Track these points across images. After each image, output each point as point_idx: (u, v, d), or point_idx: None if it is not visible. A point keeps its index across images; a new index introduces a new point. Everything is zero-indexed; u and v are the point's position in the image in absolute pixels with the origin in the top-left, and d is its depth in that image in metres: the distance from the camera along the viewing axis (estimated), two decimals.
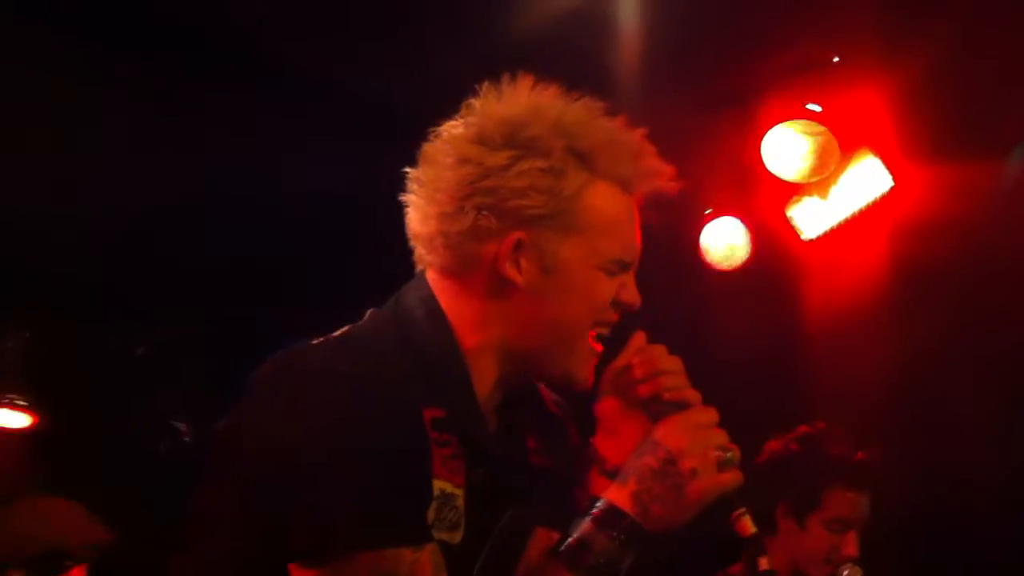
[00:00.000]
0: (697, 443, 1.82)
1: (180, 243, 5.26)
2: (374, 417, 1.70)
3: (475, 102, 1.95)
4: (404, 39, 4.20)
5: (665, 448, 1.82)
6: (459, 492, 1.81)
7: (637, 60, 3.98)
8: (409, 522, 1.71)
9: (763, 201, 4.67)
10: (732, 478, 1.83)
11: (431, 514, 1.75)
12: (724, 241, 4.77)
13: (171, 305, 5.87)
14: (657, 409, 1.90)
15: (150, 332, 6.15)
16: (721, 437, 1.84)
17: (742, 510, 1.84)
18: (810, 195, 4.51)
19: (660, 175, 1.96)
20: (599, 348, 1.97)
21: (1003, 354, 4.86)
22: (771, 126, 4.19)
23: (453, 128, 1.94)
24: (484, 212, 1.86)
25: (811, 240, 4.69)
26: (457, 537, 1.79)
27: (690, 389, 1.90)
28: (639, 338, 1.99)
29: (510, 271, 1.87)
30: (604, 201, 1.91)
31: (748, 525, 1.83)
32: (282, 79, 4.43)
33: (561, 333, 1.92)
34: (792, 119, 4.18)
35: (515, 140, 1.87)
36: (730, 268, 4.78)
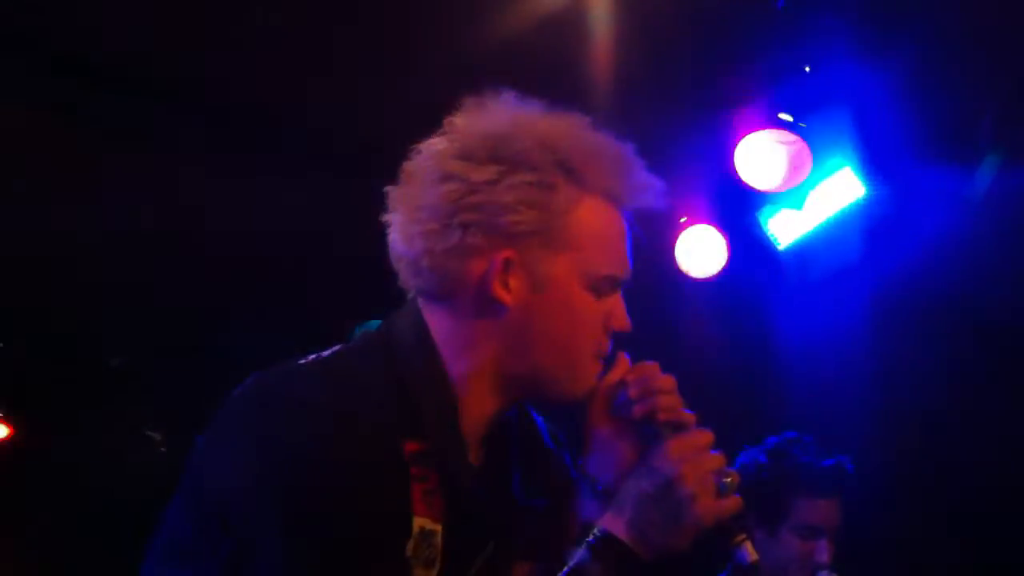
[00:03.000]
0: (695, 468, 1.77)
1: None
2: (354, 452, 1.65)
3: (456, 118, 1.89)
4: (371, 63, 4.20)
5: (662, 474, 1.77)
6: (437, 528, 1.76)
7: (611, 70, 3.98)
8: (388, 559, 1.68)
9: (738, 210, 4.68)
10: (731, 504, 1.78)
11: (409, 549, 1.71)
12: (699, 250, 4.76)
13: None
14: (651, 430, 1.85)
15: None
16: (719, 461, 1.79)
17: (742, 536, 1.79)
18: (785, 204, 4.51)
19: (651, 189, 1.91)
20: (600, 368, 1.92)
21: (979, 362, 4.88)
22: (744, 135, 4.19)
23: (435, 144, 1.88)
24: (471, 229, 1.79)
25: (786, 248, 4.70)
26: (432, 574, 1.75)
27: (685, 410, 1.85)
28: (623, 356, 1.93)
29: (499, 291, 1.81)
30: (595, 216, 1.85)
31: (750, 551, 1.79)
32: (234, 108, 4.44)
33: (555, 352, 1.85)
34: (765, 128, 4.18)
35: (501, 154, 1.81)
36: (704, 277, 4.77)
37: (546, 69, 3.98)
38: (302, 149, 4.68)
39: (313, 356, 1.82)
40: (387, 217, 1.89)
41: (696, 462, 1.77)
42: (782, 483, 3.40)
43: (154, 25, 4.00)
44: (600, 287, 1.86)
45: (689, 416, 1.85)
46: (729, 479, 1.78)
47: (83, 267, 5.30)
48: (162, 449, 6.14)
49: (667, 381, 1.88)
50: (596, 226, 1.86)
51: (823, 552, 3.37)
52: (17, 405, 6.25)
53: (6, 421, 6.30)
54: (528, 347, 1.84)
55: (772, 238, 4.58)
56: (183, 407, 6.04)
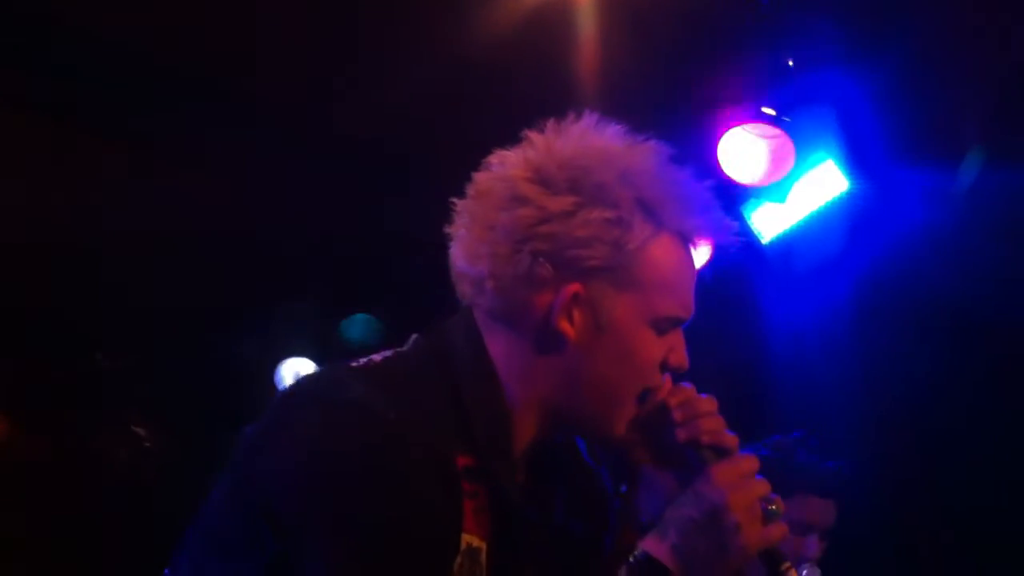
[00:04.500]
0: (741, 496, 1.73)
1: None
2: (410, 463, 1.62)
3: (534, 136, 1.84)
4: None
5: (709, 500, 1.72)
6: (483, 546, 1.74)
7: (595, 64, 4.00)
8: (438, 572, 1.64)
9: (721, 204, 4.68)
10: (778, 532, 1.74)
11: (455, 566, 1.68)
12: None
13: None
14: (694, 455, 1.81)
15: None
16: (764, 487, 1.76)
17: (787, 564, 1.75)
18: (768, 198, 4.52)
19: (725, 229, 1.87)
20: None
21: (962, 356, 4.90)
22: (727, 130, 4.21)
23: (511, 162, 1.83)
24: (541, 259, 1.75)
25: (770, 242, 4.71)
26: None
27: (728, 433, 1.82)
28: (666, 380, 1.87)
29: (564, 325, 1.77)
30: (667, 255, 1.80)
31: None
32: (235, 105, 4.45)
33: (609, 394, 1.81)
34: (748, 122, 4.20)
35: (579, 185, 1.76)
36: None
37: (531, 63, 4.01)
38: (286, 145, 4.69)
39: (365, 360, 1.80)
40: (451, 230, 1.85)
41: (742, 489, 1.74)
42: (782, 480, 3.42)
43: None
44: (663, 326, 1.82)
45: (733, 439, 1.81)
46: (774, 507, 1.75)
47: (73, 264, 5.31)
48: (147, 445, 6.14)
49: (709, 404, 1.84)
50: (667, 266, 1.81)
51: (812, 547, 3.41)
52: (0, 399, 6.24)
53: None
54: (579, 386, 1.81)
55: (755, 232, 4.59)
56: (168, 404, 6.07)
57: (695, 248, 1.87)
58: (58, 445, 6.18)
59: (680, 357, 1.85)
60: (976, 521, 4.85)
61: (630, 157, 1.80)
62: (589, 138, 1.82)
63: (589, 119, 1.84)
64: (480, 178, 1.85)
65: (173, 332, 5.80)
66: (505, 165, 1.83)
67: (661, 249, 1.80)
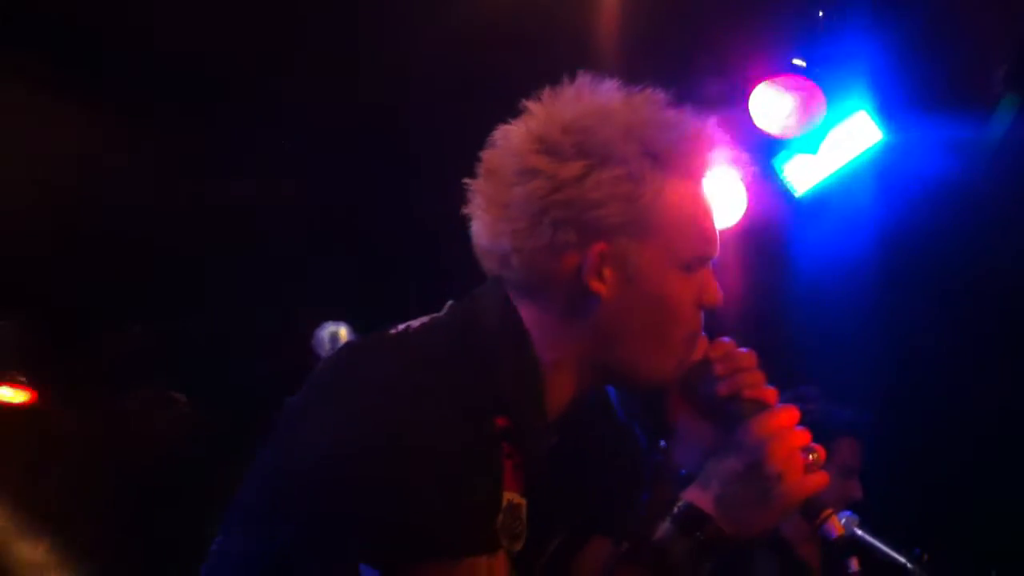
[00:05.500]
0: (783, 446, 1.75)
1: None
2: (451, 426, 1.64)
3: (533, 105, 1.84)
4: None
5: (750, 451, 1.75)
6: (523, 503, 1.78)
7: (622, 17, 3.98)
8: (484, 530, 1.67)
9: (754, 157, 4.67)
10: (819, 481, 1.76)
11: (498, 522, 1.71)
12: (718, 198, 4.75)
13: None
14: (735, 408, 1.82)
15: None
16: (805, 438, 1.77)
17: (829, 511, 1.77)
18: (800, 149, 4.51)
19: (736, 161, 1.87)
20: (693, 349, 1.88)
21: (992, 312, 4.89)
22: (759, 82, 4.19)
23: (513, 135, 1.84)
24: (562, 226, 1.76)
25: (803, 195, 4.70)
26: (518, 546, 1.77)
27: (768, 387, 1.84)
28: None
29: (596, 284, 1.78)
30: (682, 199, 1.82)
31: (836, 525, 1.77)
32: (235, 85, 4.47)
33: (649, 342, 1.83)
34: (778, 75, 4.19)
35: (586, 148, 1.77)
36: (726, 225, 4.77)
37: (556, 21, 3.99)
38: (286, 122, 4.72)
39: (403, 327, 1.82)
40: (468, 211, 1.86)
41: (783, 439, 1.76)
42: (821, 427, 3.46)
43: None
44: (691, 266, 1.83)
45: (772, 392, 1.83)
46: (814, 456, 1.76)
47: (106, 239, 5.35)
48: (186, 410, 6.20)
49: (749, 358, 1.86)
50: (683, 209, 1.82)
51: (856, 489, 3.48)
52: (40, 370, 6.30)
53: (28, 387, 6.35)
54: (620, 338, 1.82)
55: (788, 185, 4.58)
56: (205, 370, 6.12)
57: (706, 181, 1.88)
58: (92, 417, 6.24)
59: (714, 294, 1.87)
60: (992, 475, 4.87)
61: (629, 110, 1.81)
62: (586, 99, 1.83)
63: (583, 80, 1.85)
64: (488, 156, 1.85)
65: (211, 300, 5.85)
66: (509, 139, 1.84)
67: (675, 194, 1.81)
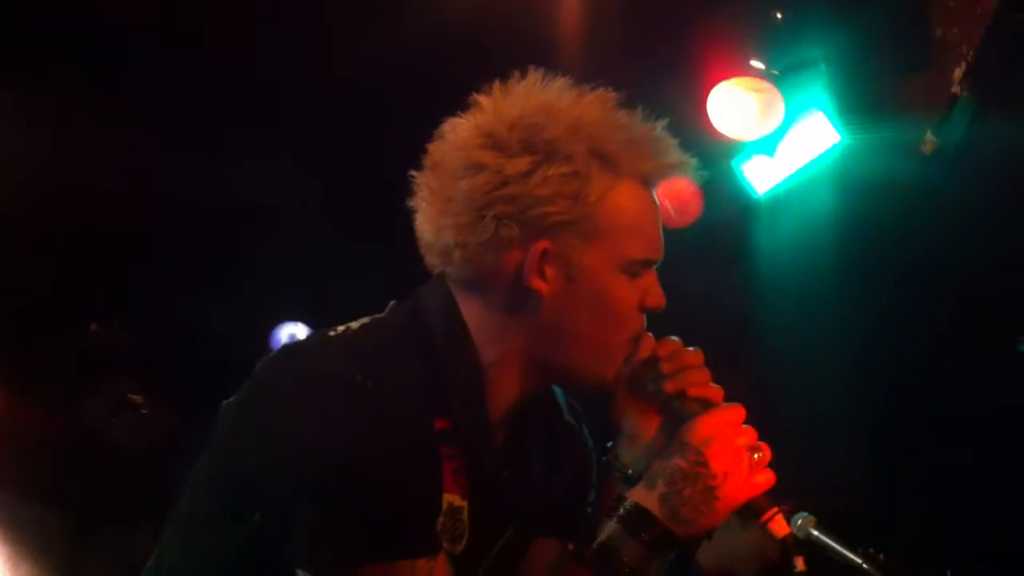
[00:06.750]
0: (728, 444, 1.75)
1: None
2: (389, 429, 1.63)
3: (482, 99, 1.83)
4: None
5: (695, 449, 1.74)
6: (464, 504, 1.78)
7: (580, 19, 3.98)
8: (423, 533, 1.67)
9: (712, 159, 4.69)
10: (764, 479, 1.77)
11: (438, 525, 1.71)
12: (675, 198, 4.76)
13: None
14: (681, 407, 1.82)
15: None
16: (751, 436, 1.77)
17: (774, 510, 1.77)
18: (758, 151, 4.53)
19: (683, 167, 1.86)
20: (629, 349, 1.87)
21: (950, 308, 4.92)
22: (716, 84, 4.20)
23: (461, 129, 1.83)
24: (505, 222, 1.75)
25: (763, 196, 4.71)
26: (459, 548, 1.77)
27: (714, 385, 1.83)
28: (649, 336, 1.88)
29: (536, 282, 1.78)
30: (628, 201, 1.81)
31: (782, 525, 1.77)
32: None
33: (589, 343, 1.83)
34: (736, 76, 4.20)
35: (533, 144, 1.76)
36: (682, 224, 4.78)
37: (516, 22, 3.99)
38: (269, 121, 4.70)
39: (343, 328, 1.80)
40: (413, 204, 1.85)
41: (729, 438, 1.76)
42: None
43: None
44: (634, 270, 1.83)
45: (719, 391, 1.82)
46: (760, 454, 1.77)
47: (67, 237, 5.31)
48: (143, 412, 6.15)
49: (695, 356, 1.85)
50: (630, 212, 1.81)
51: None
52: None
53: None
54: (562, 338, 1.82)
55: (748, 186, 4.59)
56: (163, 372, 6.08)
57: (654, 188, 1.87)
58: (53, 417, 6.18)
59: (656, 297, 1.86)
60: (965, 473, 4.89)
61: (579, 109, 1.80)
62: (535, 95, 1.82)
63: (534, 76, 1.83)
64: (434, 149, 1.84)
65: (168, 302, 5.81)
66: (457, 133, 1.83)
67: (622, 196, 1.80)
